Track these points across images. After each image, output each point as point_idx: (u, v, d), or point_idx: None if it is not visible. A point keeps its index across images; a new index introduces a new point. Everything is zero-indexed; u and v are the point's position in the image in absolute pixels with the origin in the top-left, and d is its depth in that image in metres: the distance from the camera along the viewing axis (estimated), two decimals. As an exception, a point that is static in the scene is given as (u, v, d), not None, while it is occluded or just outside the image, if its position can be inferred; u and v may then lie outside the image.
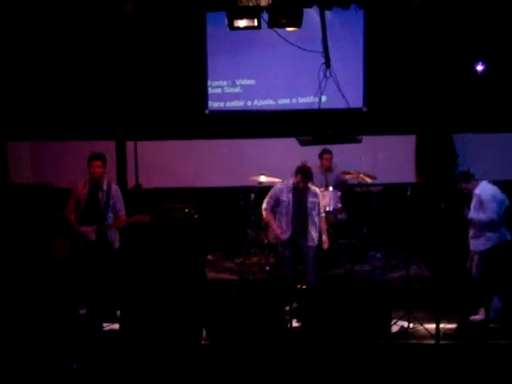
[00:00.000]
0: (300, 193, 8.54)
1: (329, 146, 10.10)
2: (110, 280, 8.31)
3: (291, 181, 8.58)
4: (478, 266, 8.17)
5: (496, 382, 6.72)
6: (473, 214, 8.11)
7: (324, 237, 8.77)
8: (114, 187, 8.47)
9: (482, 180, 8.26)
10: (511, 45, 10.71)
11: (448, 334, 7.87)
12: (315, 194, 8.65)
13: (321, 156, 10.35)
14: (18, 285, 8.75)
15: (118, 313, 8.11)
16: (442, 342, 7.59)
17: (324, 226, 8.82)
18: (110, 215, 8.34)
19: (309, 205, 8.55)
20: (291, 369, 6.89)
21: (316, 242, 8.61)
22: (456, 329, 8.03)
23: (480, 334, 7.73)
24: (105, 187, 8.33)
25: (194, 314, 7.37)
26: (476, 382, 6.72)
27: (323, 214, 8.86)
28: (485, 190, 8.13)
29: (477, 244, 8.19)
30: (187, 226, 10.01)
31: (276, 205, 8.65)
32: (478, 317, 8.24)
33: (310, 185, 8.63)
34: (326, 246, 8.83)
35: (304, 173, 8.45)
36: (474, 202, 8.13)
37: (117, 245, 8.44)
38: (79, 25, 10.61)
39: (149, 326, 7.23)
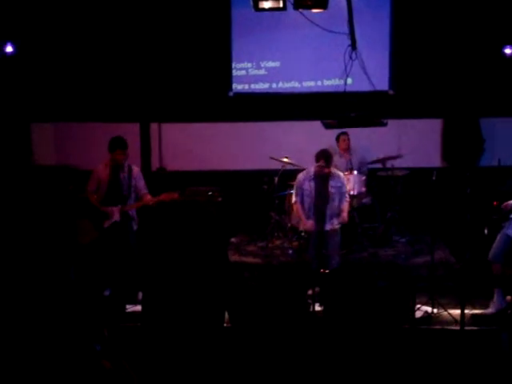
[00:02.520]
0: (323, 179, 8.44)
1: (354, 132, 10.02)
2: (132, 261, 8.33)
3: (312, 168, 8.51)
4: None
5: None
6: None
7: (344, 214, 8.59)
8: (135, 168, 8.50)
9: None
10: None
11: (472, 319, 7.79)
12: (339, 179, 8.58)
13: (337, 139, 10.32)
14: (43, 266, 8.80)
15: (140, 295, 8.12)
16: (466, 328, 7.51)
17: (346, 209, 8.64)
18: (133, 195, 8.37)
19: (331, 190, 8.48)
20: (313, 353, 6.87)
21: (337, 226, 8.54)
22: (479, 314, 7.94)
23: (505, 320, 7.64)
24: (126, 168, 8.35)
25: (216, 297, 7.36)
26: (501, 368, 6.65)
27: (348, 199, 8.73)
28: None
29: None
30: (211, 209, 10.00)
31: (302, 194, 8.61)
32: (489, 310, 7.98)
33: (333, 170, 8.56)
34: (343, 220, 8.61)
35: (327, 157, 8.38)
36: None
37: (135, 227, 8.44)
38: (104, 5, 10.59)
39: (171, 309, 7.23)
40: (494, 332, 7.34)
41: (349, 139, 10.33)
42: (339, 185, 8.55)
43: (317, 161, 8.40)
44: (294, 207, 8.75)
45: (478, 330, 7.53)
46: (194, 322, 7.15)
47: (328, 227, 8.48)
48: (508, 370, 6.49)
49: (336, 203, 8.51)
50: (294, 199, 8.73)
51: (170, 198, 8.35)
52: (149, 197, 8.38)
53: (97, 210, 8.30)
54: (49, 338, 6.69)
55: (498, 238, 7.98)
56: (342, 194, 8.56)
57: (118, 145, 8.23)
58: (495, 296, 7.94)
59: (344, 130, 10.10)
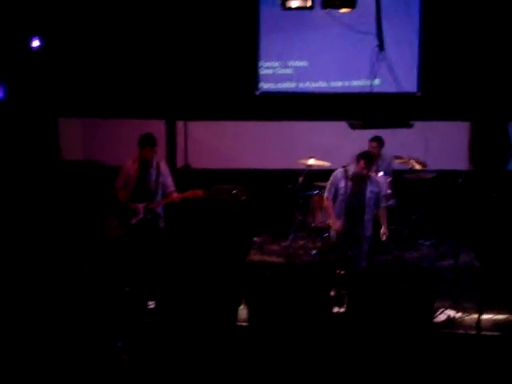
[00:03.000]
0: (360, 181, 8.22)
1: (380, 133, 9.93)
2: (157, 258, 8.34)
3: (352, 167, 8.28)
4: None
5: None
6: None
7: (384, 228, 8.35)
8: (163, 165, 8.50)
9: None
10: None
11: (495, 324, 7.68)
12: (377, 184, 8.36)
13: (369, 143, 10.23)
14: (62, 260, 8.86)
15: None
16: (487, 334, 7.43)
17: (384, 218, 8.40)
18: (160, 192, 8.37)
19: (368, 194, 8.23)
20: (334, 354, 6.84)
21: (370, 234, 8.36)
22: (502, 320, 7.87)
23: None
24: (154, 165, 8.35)
25: (229, 296, 7.37)
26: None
27: (384, 204, 8.49)
28: None
29: None
30: (235, 207, 10.00)
31: (336, 192, 8.40)
32: None
33: (373, 173, 8.40)
34: (384, 237, 8.39)
35: (368, 159, 8.13)
36: None
37: (162, 224, 8.46)
38: (131, 2, 10.62)
39: (184, 307, 7.26)
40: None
41: (378, 146, 10.12)
42: (377, 190, 8.30)
43: (357, 161, 8.16)
44: (325, 203, 8.48)
45: (498, 336, 7.44)
46: (205, 319, 7.18)
47: (360, 232, 8.30)
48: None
49: (371, 208, 8.29)
50: (326, 194, 8.45)
51: (194, 195, 8.36)
52: (175, 194, 8.39)
53: (124, 207, 8.32)
54: (63, 334, 6.75)
55: None
56: (378, 200, 8.33)
57: (147, 142, 8.24)
58: None
59: (376, 135, 9.99)
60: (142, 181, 8.32)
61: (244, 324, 7.46)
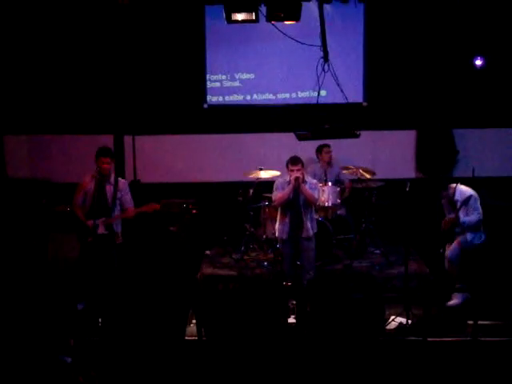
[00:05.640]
0: (298, 187, 8.35)
1: (328, 141, 10.06)
2: (111, 275, 8.26)
3: (287, 177, 8.45)
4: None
5: (483, 381, 6.66)
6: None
7: None
8: (122, 181, 8.48)
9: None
10: (509, 38, 10.64)
11: (444, 330, 7.82)
12: (311, 184, 8.56)
13: (319, 151, 10.34)
14: (13, 279, 8.72)
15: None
16: (436, 340, 7.53)
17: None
18: (117, 208, 8.34)
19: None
20: (289, 365, 6.85)
21: (311, 233, 8.53)
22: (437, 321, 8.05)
23: (471, 331, 7.69)
24: (112, 180, 8.32)
25: (178, 311, 7.36)
26: (464, 380, 6.67)
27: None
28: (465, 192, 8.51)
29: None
30: (185, 221, 9.97)
31: None
32: (453, 302, 8.52)
33: (306, 177, 8.56)
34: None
35: (302, 161, 8.37)
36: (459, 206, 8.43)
37: (119, 240, 8.40)
38: (76, 18, 10.56)
39: (131, 322, 7.23)
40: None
41: (331, 151, 10.37)
42: (313, 187, 8.54)
43: (298, 166, 8.33)
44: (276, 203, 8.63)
45: (447, 342, 7.55)
46: (151, 334, 7.15)
47: (305, 235, 8.47)
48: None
49: (310, 210, 8.55)
50: (274, 198, 8.59)
51: (151, 209, 8.35)
52: (132, 210, 8.35)
53: (81, 224, 8.23)
54: (18, 351, 6.64)
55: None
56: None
57: (102, 153, 8.22)
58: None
59: (326, 142, 10.14)
60: (99, 196, 8.25)
61: (193, 338, 7.44)
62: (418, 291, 8.70)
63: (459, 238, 8.55)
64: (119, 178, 8.44)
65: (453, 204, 8.54)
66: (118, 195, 8.30)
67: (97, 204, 8.24)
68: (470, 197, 8.42)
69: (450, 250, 8.58)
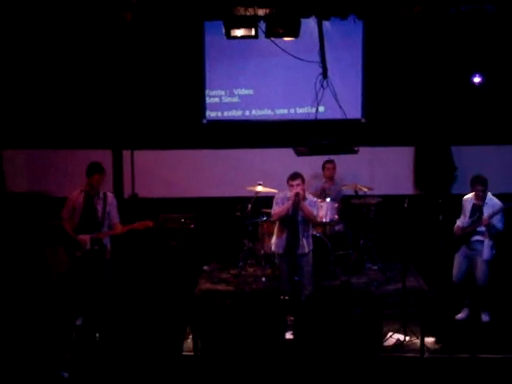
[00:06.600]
0: (297, 203, 8.35)
1: (326, 157, 10.09)
2: (102, 290, 8.23)
3: (288, 192, 8.43)
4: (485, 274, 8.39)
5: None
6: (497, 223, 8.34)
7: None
8: (110, 195, 8.44)
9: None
10: (508, 56, 10.68)
11: (440, 347, 7.83)
12: (311, 202, 8.55)
13: (323, 166, 10.36)
14: (12, 293, 8.71)
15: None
16: (433, 356, 7.56)
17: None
18: (107, 223, 8.31)
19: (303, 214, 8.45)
20: (286, 381, 6.83)
21: (306, 250, 8.49)
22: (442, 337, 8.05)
23: (470, 348, 7.67)
24: (101, 195, 8.30)
25: (175, 326, 7.35)
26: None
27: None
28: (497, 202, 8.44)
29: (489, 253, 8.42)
30: (183, 236, 9.96)
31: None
32: (461, 315, 8.56)
33: (307, 195, 8.56)
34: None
35: (301, 176, 8.36)
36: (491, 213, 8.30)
37: (108, 256, 8.36)
38: (77, 33, 10.58)
39: (129, 338, 7.23)
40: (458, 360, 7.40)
41: (334, 168, 10.38)
42: (312, 205, 8.53)
43: (298, 181, 8.32)
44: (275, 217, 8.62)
45: (445, 358, 7.54)
46: (150, 349, 7.14)
47: (301, 251, 8.43)
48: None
49: (307, 227, 8.52)
50: (273, 212, 8.57)
51: (143, 226, 8.32)
52: (120, 226, 8.33)
53: (70, 238, 8.21)
54: (16, 365, 6.63)
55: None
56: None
57: (95, 169, 8.20)
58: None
59: (330, 157, 10.19)
60: (89, 211, 8.24)
61: (190, 354, 7.41)
62: (416, 307, 8.66)
63: (483, 257, 8.38)
64: (107, 193, 8.42)
65: (479, 209, 8.43)
66: (107, 209, 8.28)
67: (86, 219, 8.23)
68: (501, 208, 8.30)
69: (482, 271, 8.41)
